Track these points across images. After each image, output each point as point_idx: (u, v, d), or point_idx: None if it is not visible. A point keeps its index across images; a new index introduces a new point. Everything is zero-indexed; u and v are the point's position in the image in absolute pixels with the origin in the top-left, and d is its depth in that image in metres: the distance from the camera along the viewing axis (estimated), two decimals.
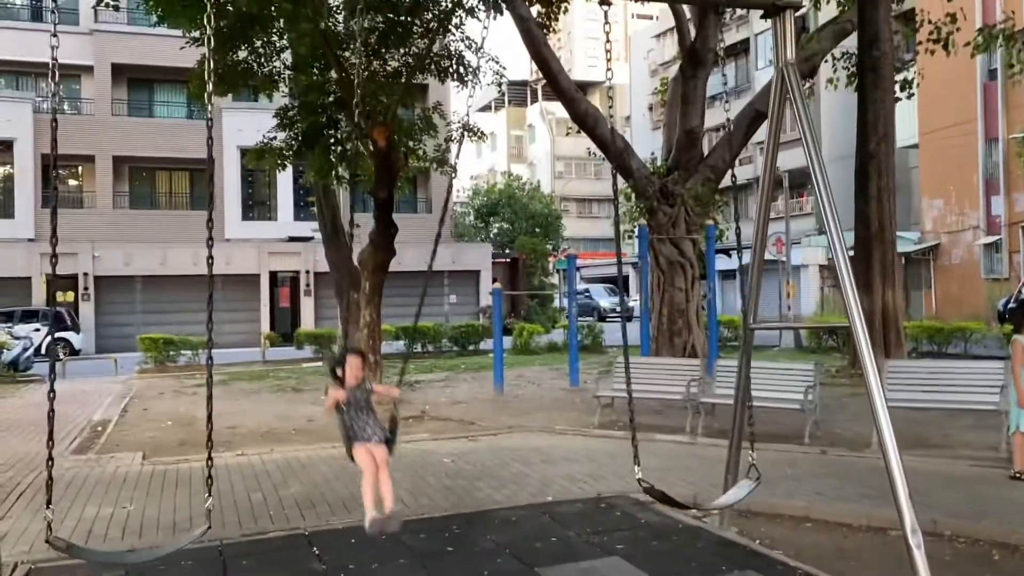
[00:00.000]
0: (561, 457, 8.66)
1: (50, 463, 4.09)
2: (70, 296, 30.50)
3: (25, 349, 20.77)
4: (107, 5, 14.05)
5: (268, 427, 11.47)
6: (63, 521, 6.52)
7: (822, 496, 6.77)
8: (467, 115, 6.35)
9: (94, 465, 8.82)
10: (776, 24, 5.04)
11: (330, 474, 8.11)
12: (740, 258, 5.71)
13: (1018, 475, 7.10)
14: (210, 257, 4.22)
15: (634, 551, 5.48)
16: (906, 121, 30.74)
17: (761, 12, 5.16)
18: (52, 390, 3.96)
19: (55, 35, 3.94)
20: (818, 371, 9.68)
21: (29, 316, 26.51)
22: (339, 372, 4.94)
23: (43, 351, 25.04)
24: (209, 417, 4.20)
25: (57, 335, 26.17)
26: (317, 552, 5.63)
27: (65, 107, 34.82)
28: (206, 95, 4.41)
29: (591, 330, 24.01)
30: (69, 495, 7.44)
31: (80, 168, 34.43)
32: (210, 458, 4.26)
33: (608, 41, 4.58)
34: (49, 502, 4.10)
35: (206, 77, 4.42)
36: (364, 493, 4.79)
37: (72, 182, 35.16)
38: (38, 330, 25.42)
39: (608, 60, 4.63)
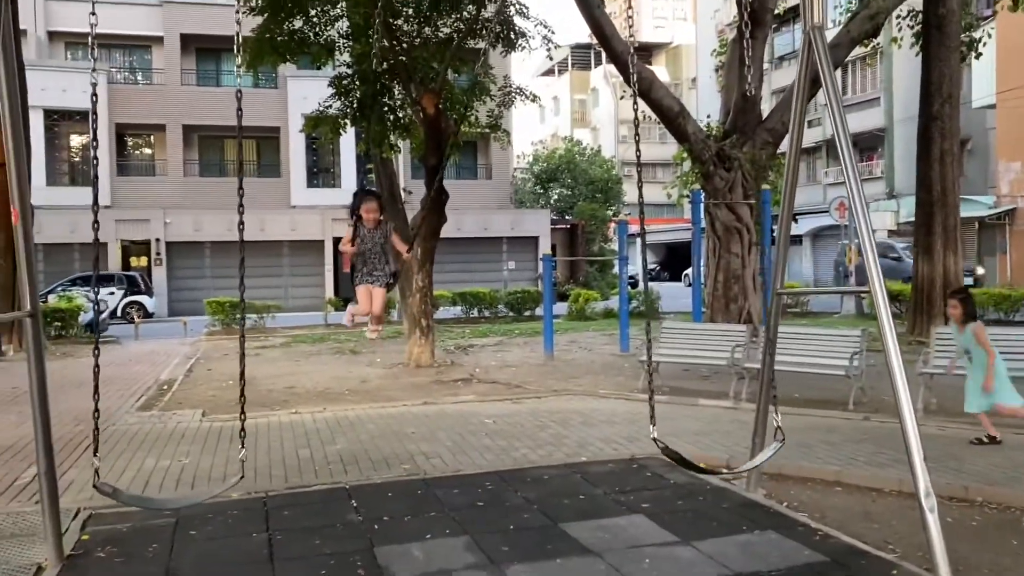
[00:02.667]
0: (601, 420, 8.80)
1: (96, 414, 4.53)
2: (143, 261, 31.72)
3: (100, 312, 21.72)
4: None
5: (324, 387, 11.89)
6: (123, 472, 6.97)
7: (856, 461, 6.78)
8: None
9: (156, 421, 9.30)
10: None
11: (376, 432, 8.40)
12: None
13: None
14: (241, 223, 4.59)
15: (659, 510, 5.60)
16: (983, 80, 29.57)
17: None
18: (96, 347, 4.53)
19: (93, 13, 4.14)
20: (865, 337, 9.56)
21: (105, 280, 27.67)
22: (358, 215, 5.92)
23: (118, 313, 26.23)
24: (242, 374, 4.68)
25: (132, 299, 27.38)
26: (355, 504, 5.90)
27: (138, 77, 35.96)
28: (236, 66, 4.61)
29: (647, 296, 23.91)
30: (131, 448, 7.90)
31: (152, 137, 35.55)
32: (243, 412, 4.94)
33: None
34: (96, 450, 4.53)
35: (235, 50, 4.62)
36: (348, 313, 6.20)
37: (145, 150, 36.35)
38: (113, 294, 26.59)
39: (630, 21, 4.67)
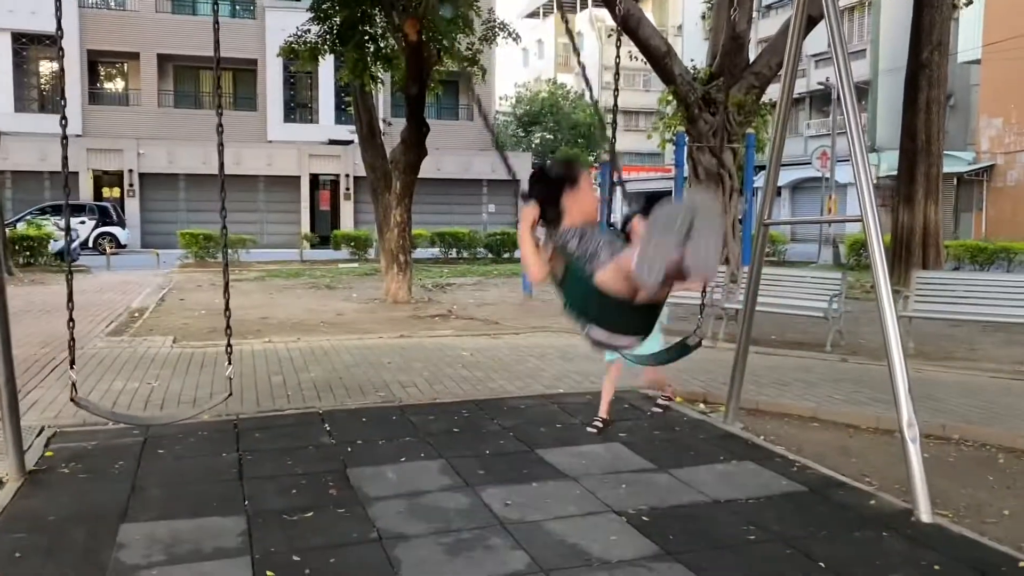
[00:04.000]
0: (579, 355, 8.72)
1: (71, 324, 4.53)
2: (116, 192, 31.10)
3: (71, 241, 21.30)
4: None
5: (298, 319, 11.73)
6: (91, 392, 6.80)
7: (833, 399, 6.76)
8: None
9: (127, 346, 9.11)
10: None
11: (351, 361, 8.28)
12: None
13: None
14: (221, 144, 4.39)
15: (635, 439, 5.56)
16: (970, 34, 29.39)
17: None
18: (70, 271, 4.54)
19: None
20: (844, 281, 9.53)
21: (76, 210, 27.09)
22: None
23: (89, 244, 25.78)
24: (226, 286, 4.58)
25: (103, 230, 26.91)
26: (328, 428, 5.80)
27: (111, 3, 34.81)
28: None
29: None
30: (100, 371, 7.73)
31: (125, 65, 34.57)
32: (228, 327, 4.66)
33: None
34: (72, 363, 4.39)
35: None
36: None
37: (118, 79, 35.38)
38: (84, 223, 26.09)
39: None
